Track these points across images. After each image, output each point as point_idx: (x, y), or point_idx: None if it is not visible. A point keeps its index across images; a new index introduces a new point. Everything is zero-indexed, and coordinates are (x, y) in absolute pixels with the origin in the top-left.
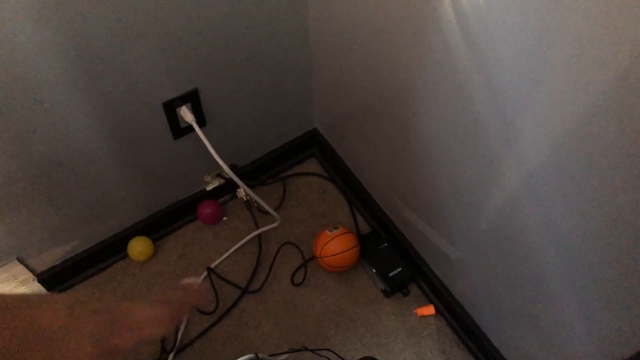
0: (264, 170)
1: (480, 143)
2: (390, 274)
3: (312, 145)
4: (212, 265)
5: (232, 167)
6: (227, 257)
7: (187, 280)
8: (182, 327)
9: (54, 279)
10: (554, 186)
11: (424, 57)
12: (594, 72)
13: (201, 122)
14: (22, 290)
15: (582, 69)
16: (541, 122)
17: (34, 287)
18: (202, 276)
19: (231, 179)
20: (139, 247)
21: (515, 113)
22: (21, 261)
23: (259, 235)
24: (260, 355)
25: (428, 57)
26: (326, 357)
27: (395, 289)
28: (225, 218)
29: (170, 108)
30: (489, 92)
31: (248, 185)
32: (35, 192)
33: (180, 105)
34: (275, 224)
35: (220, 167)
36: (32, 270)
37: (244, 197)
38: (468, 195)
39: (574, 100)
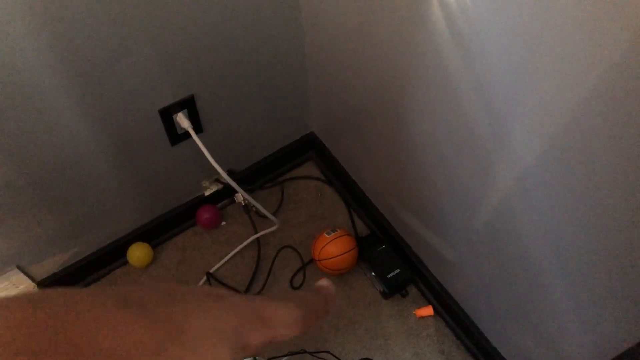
0: (261, 174)
1: (473, 144)
2: (389, 276)
3: (309, 148)
4: (212, 270)
5: (230, 172)
6: (227, 261)
7: (321, 283)
8: None
9: (55, 286)
10: (546, 186)
11: (416, 60)
12: (582, 71)
13: (198, 128)
14: None
15: (570, 69)
16: (531, 123)
17: None
18: (202, 281)
19: (229, 183)
20: (138, 253)
21: (505, 114)
22: (21, 269)
23: (258, 239)
24: (258, 358)
25: (419, 60)
26: None
27: (393, 290)
28: (223, 223)
29: (167, 115)
30: (479, 93)
31: (246, 190)
32: (34, 200)
33: (177, 112)
34: (273, 228)
35: (218, 172)
36: (32, 278)
37: (242, 202)
38: (463, 196)
39: (562, 99)
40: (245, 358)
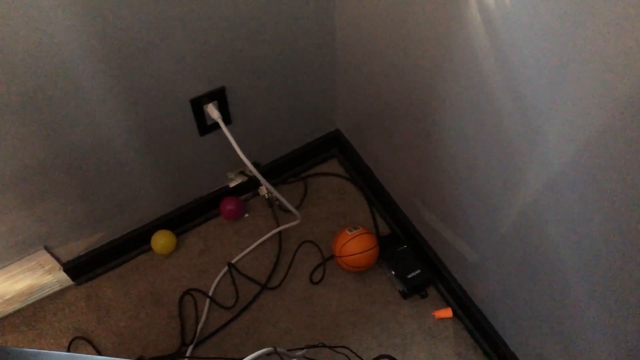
0: (285, 169)
1: (504, 146)
2: (409, 276)
3: (333, 145)
4: (233, 261)
5: (255, 165)
6: (248, 253)
7: None
8: (202, 320)
9: (79, 268)
10: (577, 192)
11: (450, 61)
12: (618, 76)
13: (227, 120)
14: (48, 278)
15: (607, 73)
16: (565, 126)
17: (59, 276)
18: (223, 271)
19: (254, 176)
20: (162, 240)
21: (539, 117)
22: (48, 250)
23: (280, 232)
24: (278, 349)
25: (454, 61)
26: (344, 355)
27: (413, 291)
28: (246, 215)
29: (198, 105)
30: (514, 95)
31: (270, 184)
32: (65, 183)
33: (207, 103)
34: (295, 222)
35: (243, 165)
36: (58, 260)
37: (266, 195)
38: (489, 198)
39: (598, 104)
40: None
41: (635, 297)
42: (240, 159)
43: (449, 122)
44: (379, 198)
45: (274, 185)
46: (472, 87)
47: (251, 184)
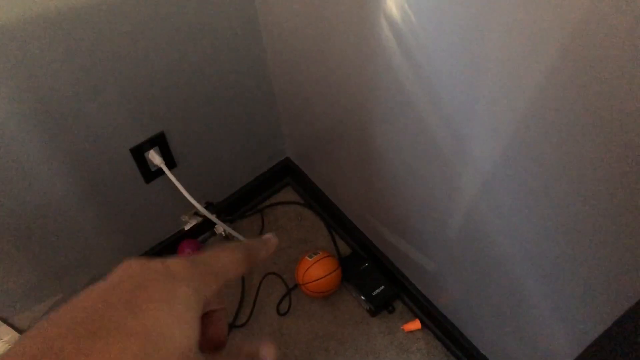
0: (241, 203)
1: (437, 155)
2: (374, 293)
3: (286, 174)
4: None
5: (208, 204)
6: None
7: (265, 236)
8: None
9: None
10: (508, 189)
11: (372, 79)
12: (523, 75)
13: (171, 164)
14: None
15: (512, 74)
16: (485, 130)
17: None
18: None
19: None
20: None
21: (461, 123)
22: (5, 321)
23: None
24: None
25: (376, 79)
26: None
27: (380, 307)
28: None
29: (139, 153)
30: (435, 106)
31: (226, 220)
32: (10, 250)
33: (148, 150)
34: None
35: (195, 206)
36: (17, 329)
37: (223, 233)
38: (434, 206)
39: (509, 104)
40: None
41: (580, 286)
42: (191, 202)
43: (385, 139)
44: (336, 220)
45: (232, 221)
46: (399, 103)
47: (207, 224)
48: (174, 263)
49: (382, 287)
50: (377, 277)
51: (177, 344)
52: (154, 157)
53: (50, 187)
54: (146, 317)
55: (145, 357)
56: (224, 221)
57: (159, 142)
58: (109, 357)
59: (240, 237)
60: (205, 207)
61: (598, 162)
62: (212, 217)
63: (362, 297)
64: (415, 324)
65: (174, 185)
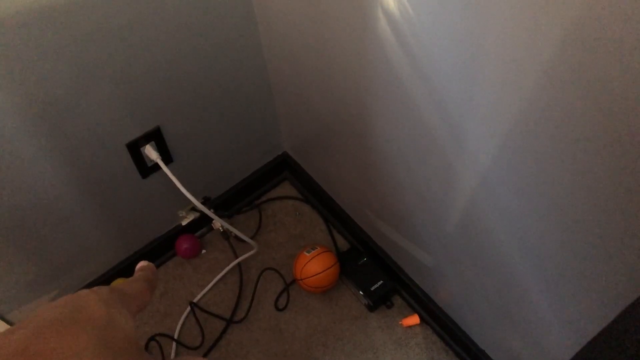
0: (238, 198)
1: (435, 150)
2: (372, 288)
3: (283, 168)
4: (195, 300)
5: (206, 200)
6: (209, 289)
7: (140, 265)
8: None
9: None
10: (505, 183)
11: (370, 73)
12: (521, 71)
13: (167, 159)
14: None
15: (509, 69)
16: (483, 125)
17: None
18: (186, 312)
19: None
20: None
21: (459, 118)
22: (1, 317)
23: (239, 264)
24: None
25: (373, 73)
26: None
27: (378, 302)
28: (204, 251)
29: (135, 148)
30: (433, 100)
31: (223, 215)
32: (8, 246)
33: (144, 145)
34: (252, 252)
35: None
36: (12, 325)
37: (220, 228)
38: (432, 201)
39: (506, 99)
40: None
41: (579, 281)
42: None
43: (382, 133)
44: (334, 215)
45: (229, 216)
46: (396, 97)
47: (204, 219)
48: (100, 289)
49: (380, 282)
50: (376, 272)
51: (124, 328)
52: (150, 152)
53: (46, 183)
54: (96, 314)
55: (103, 337)
56: (221, 216)
57: (155, 137)
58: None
59: (238, 232)
60: (203, 203)
61: (598, 158)
62: (209, 213)
63: (361, 292)
64: (414, 319)
65: (171, 180)
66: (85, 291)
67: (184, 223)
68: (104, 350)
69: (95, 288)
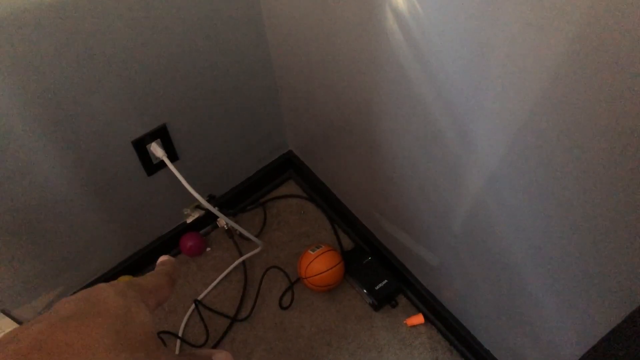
0: (243, 197)
1: (443, 150)
2: (377, 287)
3: (288, 167)
4: (199, 297)
5: (210, 198)
6: (214, 287)
7: (161, 259)
8: None
9: None
10: (513, 185)
11: (378, 73)
12: (530, 73)
13: (173, 157)
14: None
15: (519, 71)
16: (491, 126)
17: None
18: (190, 310)
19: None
20: None
21: (467, 119)
22: (6, 314)
23: (243, 262)
24: None
25: (382, 73)
26: None
27: (383, 301)
28: (208, 249)
29: (140, 146)
30: (442, 101)
31: (228, 214)
32: (14, 244)
33: (150, 142)
34: (257, 250)
35: (197, 199)
36: (19, 322)
37: (225, 226)
38: (438, 201)
39: (515, 101)
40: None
41: (587, 283)
42: (193, 195)
43: (389, 133)
44: (339, 214)
45: (234, 214)
46: (404, 96)
47: (209, 217)
48: (118, 283)
49: (385, 282)
50: (380, 271)
51: (142, 322)
52: (156, 150)
53: (52, 181)
54: (113, 308)
55: (119, 331)
56: (226, 214)
57: (161, 134)
58: (89, 331)
59: (243, 230)
60: (208, 200)
61: (607, 159)
62: (215, 210)
63: (365, 292)
64: (419, 318)
65: (176, 178)
66: (103, 285)
67: (188, 221)
68: (120, 344)
69: (113, 282)
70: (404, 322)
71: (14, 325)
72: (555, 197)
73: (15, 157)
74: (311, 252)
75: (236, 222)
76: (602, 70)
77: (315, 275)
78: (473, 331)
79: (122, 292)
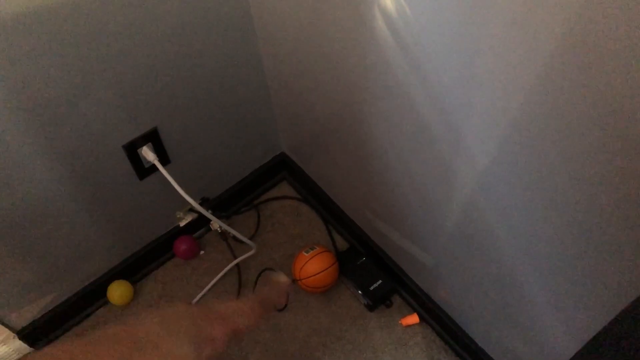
0: (237, 199)
1: (433, 149)
2: (372, 288)
3: (282, 169)
4: (194, 301)
5: (204, 200)
6: (208, 290)
7: (277, 277)
8: None
9: (36, 334)
10: (504, 183)
11: (367, 72)
12: (519, 71)
13: (165, 160)
14: (3, 349)
15: (507, 70)
16: (481, 125)
17: (15, 345)
18: None
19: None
20: (118, 291)
21: (457, 118)
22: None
23: (238, 265)
24: None
25: (371, 72)
26: None
27: (378, 302)
28: (202, 252)
29: (132, 150)
30: (431, 100)
31: (221, 216)
32: (5, 249)
33: (141, 146)
34: (251, 252)
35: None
36: (11, 328)
37: (219, 229)
38: (430, 201)
39: (504, 100)
40: (215, 348)
41: (579, 281)
42: (185, 198)
43: (380, 133)
44: (332, 214)
45: (227, 217)
46: (394, 97)
47: (202, 220)
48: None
49: (379, 282)
50: (375, 271)
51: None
52: (147, 154)
53: (43, 186)
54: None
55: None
56: (219, 217)
57: (152, 138)
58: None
59: (236, 233)
60: (201, 203)
61: (597, 155)
62: (207, 214)
63: (360, 292)
64: (414, 318)
65: (168, 181)
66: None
67: (182, 224)
68: None
69: (195, 309)
70: (399, 322)
71: (7, 331)
72: (545, 196)
73: (3, 163)
74: (305, 254)
75: (230, 224)
76: (589, 68)
77: (309, 277)
78: (468, 330)
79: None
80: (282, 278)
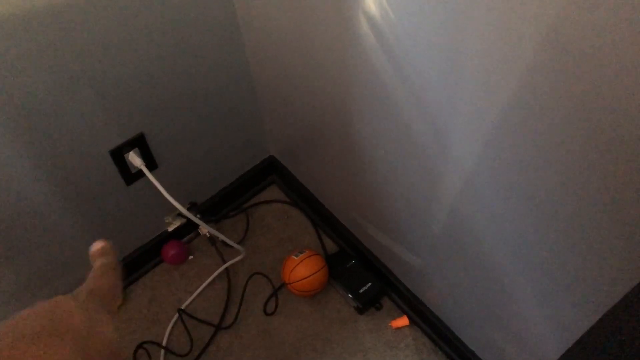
0: (225, 203)
1: (419, 153)
2: (361, 290)
3: (270, 172)
4: (183, 306)
5: (192, 205)
6: (197, 295)
7: (96, 247)
8: None
9: None
10: (490, 185)
11: (353, 76)
12: (501, 75)
13: (152, 165)
14: None
15: (490, 73)
16: (465, 128)
17: None
18: (174, 319)
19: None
20: None
21: (442, 121)
22: None
23: (227, 269)
24: None
25: (356, 76)
26: None
27: (367, 304)
28: (191, 257)
29: (118, 155)
30: (416, 104)
31: (210, 221)
32: None
33: (128, 151)
34: (240, 257)
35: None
36: None
37: (207, 234)
38: (417, 203)
39: (488, 103)
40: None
41: (566, 282)
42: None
43: (366, 136)
44: (322, 217)
45: (216, 221)
46: (379, 100)
47: (191, 225)
48: (79, 294)
49: (369, 284)
50: (364, 274)
51: (106, 337)
52: (134, 159)
53: (30, 192)
54: (77, 324)
55: (84, 348)
56: (208, 222)
57: (139, 143)
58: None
59: (224, 238)
60: (189, 208)
61: (581, 156)
62: (195, 219)
63: (349, 295)
64: (403, 321)
65: (156, 187)
66: (64, 298)
67: (170, 229)
68: None
69: (75, 292)
70: (389, 324)
71: None
72: (529, 198)
73: None
74: (294, 258)
75: (219, 228)
76: (576, 68)
77: (299, 280)
78: (457, 332)
79: (84, 305)
80: (96, 245)
